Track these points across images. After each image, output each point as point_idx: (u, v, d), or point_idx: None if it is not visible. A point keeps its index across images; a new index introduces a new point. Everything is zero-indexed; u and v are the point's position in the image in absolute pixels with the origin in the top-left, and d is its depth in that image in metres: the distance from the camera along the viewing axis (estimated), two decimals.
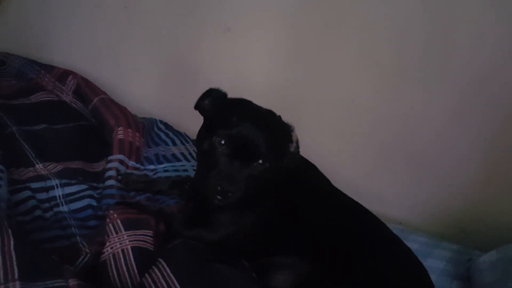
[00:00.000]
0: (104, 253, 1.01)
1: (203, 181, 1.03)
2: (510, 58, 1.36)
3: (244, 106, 1.12)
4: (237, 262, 1.10)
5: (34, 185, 1.25)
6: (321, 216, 1.10)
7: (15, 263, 0.77)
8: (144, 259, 1.01)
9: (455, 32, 1.41)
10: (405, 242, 1.09)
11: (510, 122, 1.40)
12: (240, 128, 1.02)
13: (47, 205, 1.21)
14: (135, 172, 1.48)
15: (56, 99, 1.76)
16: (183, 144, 1.73)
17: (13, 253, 0.78)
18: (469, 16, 1.39)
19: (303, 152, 1.16)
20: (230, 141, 1.02)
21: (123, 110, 1.73)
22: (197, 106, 1.16)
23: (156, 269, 0.96)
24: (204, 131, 1.11)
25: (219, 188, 0.98)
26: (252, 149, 1.02)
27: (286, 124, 1.12)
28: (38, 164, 1.34)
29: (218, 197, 0.99)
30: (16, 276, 0.75)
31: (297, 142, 1.14)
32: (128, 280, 0.96)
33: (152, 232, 1.09)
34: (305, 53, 1.67)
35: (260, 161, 1.02)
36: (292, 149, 1.13)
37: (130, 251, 1.01)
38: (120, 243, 1.02)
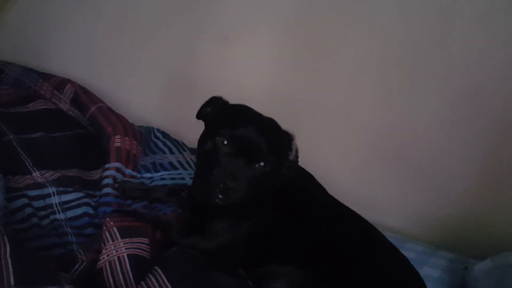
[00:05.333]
0: (100, 260, 1.02)
1: (204, 182, 1.03)
2: (508, 67, 1.38)
3: (246, 111, 1.13)
4: (234, 270, 1.10)
5: (31, 192, 1.25)
6: (317, 225, 1.11)
7: (11, 270, 0.77)
8: (140, 266, 1.01)
9: (452, 42, 1.43)
10: (401, 250, 1.10)
11: (507, 132, 1.41)
12: (244, 129, 1.04)
13: (43, 212, 1.21)
14: (132, 180, 1.48)
15: (53, 107, 1.77)
16: (180, 152, 1.74)
17: (9, 260, 0.78)
18: (465, 26, 1.40)
19: (300, 160, 1.17)
20: (233, 140, 1.03)
21: (120, 118, 1.74)
22: (199, 115, 1.17)
23: (152, 277, 0.96)
24: (206, 134, 1.12)
25: (221, 185, 0.98)
26: (254, 151, 1.03)
27: (286, 133, 1.14)
28: (35, 172, 1.34)
29: (219, 196, 0.99)
30: (12, 282, 0.74)
31: (296, 151, 1.15)
32: None
33: (148, 240, 1.09)
34: (302, 63, 1.69)
35: (262, 164, 1.03)
36: (291, 157, 1.14)
37: (126, 258, 1.01)
38: (116, 250, 1.02)
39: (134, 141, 1.63)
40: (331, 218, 1.14)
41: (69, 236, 1.15)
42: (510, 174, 1.44)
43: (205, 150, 1.07)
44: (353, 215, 1.16)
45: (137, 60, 1.99)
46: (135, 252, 1.03)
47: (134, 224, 1.13)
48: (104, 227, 1.09)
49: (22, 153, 1.40)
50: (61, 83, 1.88)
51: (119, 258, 1.01)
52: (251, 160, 1.03)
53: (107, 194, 1.35)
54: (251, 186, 1.03)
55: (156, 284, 0.94)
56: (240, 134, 1.03)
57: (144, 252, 1.05)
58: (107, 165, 1.48)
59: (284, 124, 1.14)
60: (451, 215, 1.53)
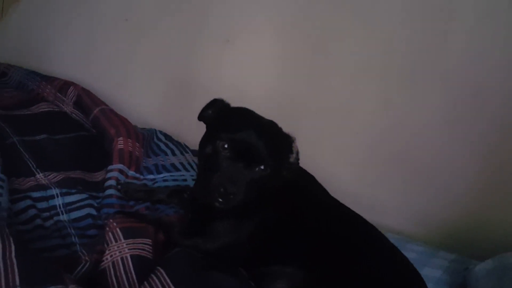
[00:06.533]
0: (103, 261, 1.02)
1: (205, 185, 1.04)
2: (507, 67, 1.38)
3: (247, 114, 1.14)
4: (235, 270, 1.10)
5: (35, 194, 1.26)
6: (319, 226, 1.11)
7: (16, 270, 0.77)
8: (143, 267, 1.01)
9: (451, 43, 1.43)
10: (402, 251, 1.10)
11: (507, 132, 1.42)
12: (244, 133, 1.04)
13: (47, 214, 1.22)
14: (135, 181, 1.49)
15: (56, 109, 1.78)
16: (182, 154, 1.74)
17: (14, 260, 0.79)
18: (465, 26, 1.41)
19: (301, 160, 1.18)
20: (233, 145, 1.03)
21: (123, 120, 1.75)
22: (200, 117, 1.17)
23: (155, 277, 0.97)
24: (207, 137, 1.13)
25: (221, 189, 0.99)
26: (254, 154, 1.03)
27: (287, 135, 1.14)
28: (38, 173, 1.35)
29: (219, 199, 1.00)
30: (17, 282, 0.75)
31: (297, 153, 1.15)
32: None
33: (151, 240, 1.10)
34: (303, 64, 1.69)
35: (262, 167, 1.04)
36: (292, 159, 1.14)
37: (129, 259, 1.01)
38: (120, 251, 1.03)
39: (136, 143, 1.64)
40: (331, 218, 1.14)
41: (73, 237, 1.16)
42: (511, 174, 1.44)
43: (205, 153, 1.08)
44: (354, 216, 1.16)
45: (139, 62, 2.01)
46: (138, 253, 1.04)
47: (136, 225, 1.13)
48: (107, 228, 1.10)
49: (26, 155, 1.41)
50: (64, 85, 1.89)
51: (122, 258, 1.01)
52: (251, 164, 1.04)
53: (110, 196, 1.36)
54: (251, 189, 1.04)
55: (159, 284, 0.95)
56: (240, 138, 1.04)
57: (147, 253, 1.06)
58: (110, 167, 1.49)
59: (285, 126, 1.15)
60: (452, 216, 1.53)
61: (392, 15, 1.50)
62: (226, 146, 1.04)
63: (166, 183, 1.54)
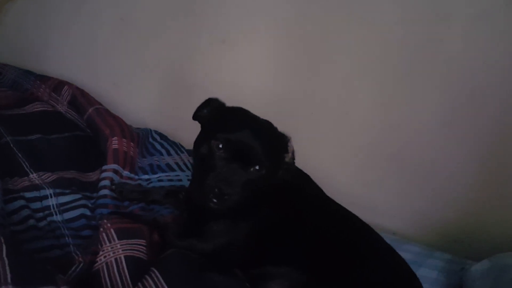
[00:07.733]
0: (97, 262, 1.01)
1: (200, 185, 1.03)
2: (503, 69, 1.38)
3: (242, 114, 1.13)
4: (231, 271, 1.10)
5: (28, 194, 1.25)
6: (315, 226, 1.11)
7: (7, 268, 0.77)
8: (137, 268, 1.01)
9: (450, 42, 1.43)
10: (398, 252, 1.10)
11: (503, 134, 1.42)
12: (239, 133, 1.04)
13: (41, 214, 1.21)
14: (129, 182, 1.48)
15: (51, 109, 1.76)
16: (177, 154, 1.74)
17: (5, 259, 0.78)
18: (463, 26, 1.41)
19: (298, 161, 1.17)
20: (228, 145, 1.03)
21: (118, 120, 1.73)
22: (195, 116, 1.17)
23: (149, 278, 0.97)
24: (202, 137, 1.12)
25: (216, 190, 0.98)
26: (249, 155, 1.03)
27: (282, 135, 1.14)
28: (32, 173, 1.34)
29: (214, 200, 0.99)
30: (9, 280, 0.75)
31: (293, 152, 1.15)
32: None
33: (145, 241, 1.09)
34: (300, 65, 1.69)
35: (257, 167, 1.03)
36: (287, 159, 1.14)
37: (123, 260, 1.01)
38: (114, 252, 1.02)
39: (131, 143, 1.63)
40: (328, 219, 1.14)
41: (66, 238, 1.15)
42: (508, 176, 1.45)
43: (200, 153, 1.07)
44: (350, 216, 1.16)
45: (135, 62, 2.00)
46: (132, 254, 1.03)
47: (131, 225, 1.12)
48: (101, 229, 1.09)
49: (20, 155, 1.40)
50: (58, 85, 1.87)
51: (116, 259, 1.01)
52: (246, 164, 1.03)
53: (105, 196, 1.35)
54: (247, 190, 1.03)
55: (153, 285, 0.95)
56: (235, 138, 1.03)
57: (141, 254, 1.05)
58: (104, 167, 1.48)
59: (282, 126, 1.14)
60: (449, 216, 1.53)
61: (389, 15, 1.50)
62: (221, 146, 1.03)
63: (161, 183, 1.53)
